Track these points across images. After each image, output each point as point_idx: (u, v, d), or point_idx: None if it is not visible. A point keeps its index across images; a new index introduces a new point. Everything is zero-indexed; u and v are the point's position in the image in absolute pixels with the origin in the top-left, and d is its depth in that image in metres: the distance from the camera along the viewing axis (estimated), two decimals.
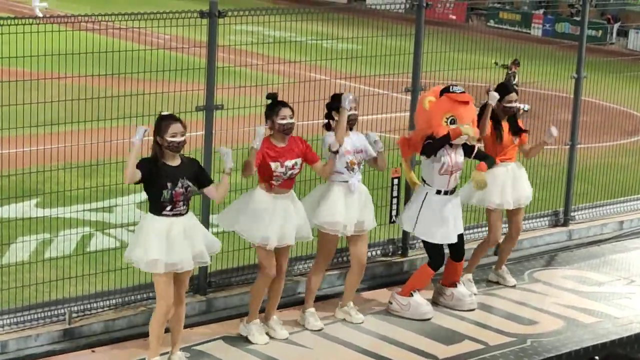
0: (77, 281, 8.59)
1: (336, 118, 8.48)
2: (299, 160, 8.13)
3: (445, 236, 8.81)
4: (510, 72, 17.77)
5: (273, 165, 7.99)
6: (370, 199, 8.74)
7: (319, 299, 8.91)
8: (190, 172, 7.48)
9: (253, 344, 8.12)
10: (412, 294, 8.87)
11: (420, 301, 8.88)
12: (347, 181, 8.49)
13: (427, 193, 8.80)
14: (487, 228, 9.74)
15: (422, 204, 8.81)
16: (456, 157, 8.73)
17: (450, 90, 8.70)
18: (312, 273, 8.73)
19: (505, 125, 9.46)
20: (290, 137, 8.14)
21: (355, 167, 8.51)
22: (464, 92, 8.72)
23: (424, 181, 8.84)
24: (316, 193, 8.67)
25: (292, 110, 8.12)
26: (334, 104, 8.51)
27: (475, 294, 9.41)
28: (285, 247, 8.19)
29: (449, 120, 8.61)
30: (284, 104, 8.11)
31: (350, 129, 8.62)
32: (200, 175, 7.60)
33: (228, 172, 7.56)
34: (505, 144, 9.45)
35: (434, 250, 8.87)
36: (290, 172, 8.07)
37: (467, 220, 10.30)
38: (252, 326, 8.23)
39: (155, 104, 8.57)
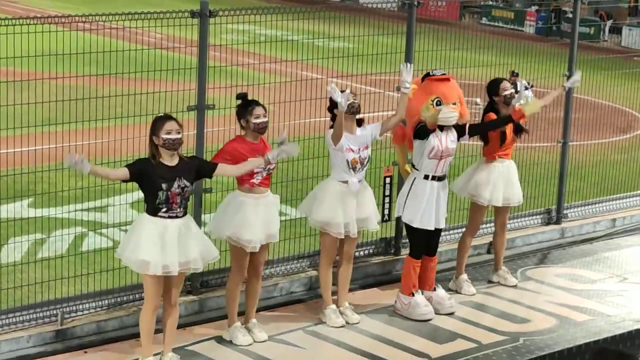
0: (70, 282, 8.58)
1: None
2: None
3: (426, 222, 8.72)
4: (511, 83, 17.69)
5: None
6: (372, 199, 8.70)
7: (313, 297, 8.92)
8: (189, 170, 7.41)
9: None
10: (413, 293, 8.85)
11: (420, 301, 8.84)
12: (346, 181, 8.47)
13: (415, 178, 8.78)
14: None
15: (409, 189, 8.79)
16: (447, 142, 8.68)
17: (430, 74, 8.76)
18: (319, 272, 8.80)
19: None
20: (261, 137, 8.07)
21: (358, 165, 8.45)
22: (444, 74, 8.75)
23: (413, 166, 8.81)
24: (316, 192, 8.64)
25: (265, 109, 8.04)
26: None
27: (474, 294, 9.43)
28: (263, 248, 8.12)
29: (434, 102, 8.62)
30: (257, 103, 8.04)
31: (359, 125, 8.56)
32: (201, 168, 7.53)
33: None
34: (508, 141, 9.40)
35: (414, 237, 8.82)
36: (268, 167, 7.96)
37: (451, 220, 10.30)
38: (234, 329, 8.20)
39: (147, 103, 8.56)
